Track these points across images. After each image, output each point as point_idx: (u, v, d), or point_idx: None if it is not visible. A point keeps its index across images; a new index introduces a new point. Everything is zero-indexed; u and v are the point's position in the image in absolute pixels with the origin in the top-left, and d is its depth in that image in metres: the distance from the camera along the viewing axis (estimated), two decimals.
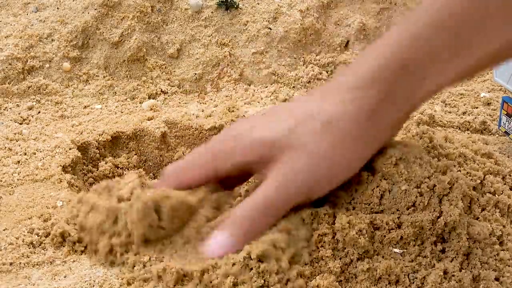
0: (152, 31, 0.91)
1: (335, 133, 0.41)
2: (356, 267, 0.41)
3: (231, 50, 0.91)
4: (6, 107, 0.79)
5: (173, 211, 0.43)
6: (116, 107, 0.82)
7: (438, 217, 0.42)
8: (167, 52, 0.91)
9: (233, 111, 0.77)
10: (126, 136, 0.71)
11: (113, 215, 0.44)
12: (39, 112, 0.79)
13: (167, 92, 0.87)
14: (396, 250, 0.42)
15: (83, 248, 0.47)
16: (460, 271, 0.41)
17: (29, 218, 0.51)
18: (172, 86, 0.88)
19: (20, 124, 0.76)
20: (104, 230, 0.44)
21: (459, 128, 0.76)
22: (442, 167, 0.44)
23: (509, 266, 0.43)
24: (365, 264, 0.41)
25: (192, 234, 0.43)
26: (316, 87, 0.45)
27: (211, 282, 0.39)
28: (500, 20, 0.40)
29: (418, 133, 0.48)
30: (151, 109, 0.81)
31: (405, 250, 0.42)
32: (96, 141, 0.69)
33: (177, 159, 0.73)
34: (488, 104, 0.82)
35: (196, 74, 0.89)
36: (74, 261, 0.46)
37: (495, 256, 0.43)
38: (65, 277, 0.44)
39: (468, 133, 0.76)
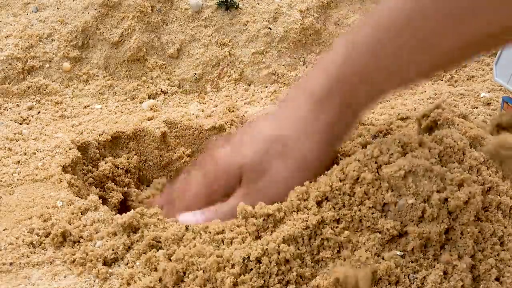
0: (152, 31, 0.91)
1: (294, 157, 0.48)
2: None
3: (231, 50, 0.91)
4: (6, 107, 0.79)
5: None
6: (116, 107, 0.82)
7: (447, 230, 0.42)
8: (167, 52, 0.91)
9: (233, 111, 0.77)
10: (126, 136, 0.71)
11: None
12: (39, 112, 0.79)
13: (167, 92, 0.87)
14: (398, 252, 0.42)
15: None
16: (461, 271, 0.41)
17: (29, 218, 0.51)
18: (172, 86, 0.88)
19: (20, 124, 0.76)
20: None
21: None
22: (457, 180, 0.43)
23: (509, 266, 0.43)
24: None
25: None
26: (282, 99, 0.50)
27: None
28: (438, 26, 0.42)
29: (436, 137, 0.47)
30: (151, 109, 0.81)
31: (406, 252, 0.42)
32: (96, 141, 0.69)
33: (176, 159, 0.73)
34: (488, 104, 0.82)
35: (196, 74, 0.89)
36: (73, 261, 0.46)
37: (495, 256, 0.43)
38: (65, 277, 0.44)
39: None
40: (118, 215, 0.51)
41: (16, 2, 0.91)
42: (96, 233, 0.49)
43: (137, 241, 0.48)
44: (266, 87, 0.88)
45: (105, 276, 0.44)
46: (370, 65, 0.46)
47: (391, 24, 0.43)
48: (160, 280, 0.43)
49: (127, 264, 0.46)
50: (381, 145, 0.45)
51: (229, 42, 0.92)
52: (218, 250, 0.43)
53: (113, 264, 0.46)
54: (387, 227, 0.42)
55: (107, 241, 0.48)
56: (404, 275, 0.41)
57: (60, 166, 0.62)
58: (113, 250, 0.47)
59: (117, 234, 0.48)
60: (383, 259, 0.42)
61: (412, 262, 0.42)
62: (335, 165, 0.47)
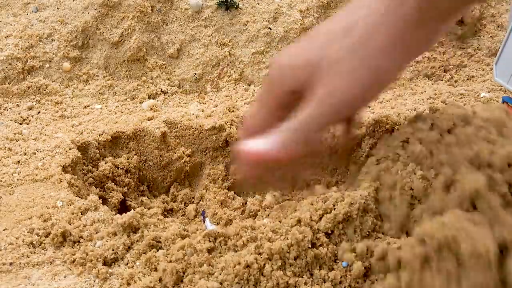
0: (152, 31, 0.91)
1: (369, 48, 0.40)
2: None
3: (231, 50, 0.91)
4: (6, 107, 0.79)
5: None
6: (116, 107, 0.82)
7: None
8: (167, 52, 0.91)
9: (233, 111, 0.77)
10: (126, 136, 0.71)
11: None
12: (39, 112, 0.79)
13: (167, 92, 0.87)
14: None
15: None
16: None
17: (29, 218, 0.51)
18: (172, 86, 0.88)
19: (20, 124, 0.76)
20: None
21: None
22: None
23: None
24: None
25: None
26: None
27: None
28: None
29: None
30: (151, 109, 0.81)
31: None
32: (96, 141, 0.69)
33: (176, 159, 0.73)
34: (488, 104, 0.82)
35: (196, 74, 0.89)
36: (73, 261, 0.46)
37: None
38: (65, 277, 0.44)
39: None
40: (118, 215, 0.51)
41: (16, 2, 0.91)
42: (96, 233, 0.49)
43: (137, 241, 0.48)
44: None
45: (105, 276, 0.44)
46: None
47: None
48: (160, 280, 0.43)
49: (127, 264, 0.46)
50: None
51: (229, 42, 0.92)
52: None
53: (113, 264, 0.46)
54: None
55: (107, 241, 0.48)
56: None
57: (60, 166, 0.62)
58: (113, 250, 0.47)
59: (117, 234, 0.48)
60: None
61: None
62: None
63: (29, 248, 0.47)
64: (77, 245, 0.48)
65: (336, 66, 0.40)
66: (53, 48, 0.86)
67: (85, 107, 0.82)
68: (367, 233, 0.43)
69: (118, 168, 0.69)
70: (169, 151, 0.73)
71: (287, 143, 0.42)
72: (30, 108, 0.80)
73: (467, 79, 0.94)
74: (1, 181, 0.60)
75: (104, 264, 0.46)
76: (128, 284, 0.43)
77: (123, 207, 0.67)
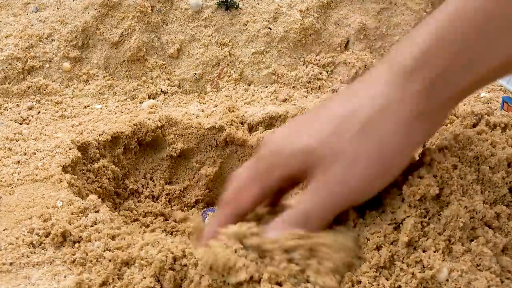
0: (152, 31, 0.91)
1: (374, 136, 0.39)
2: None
3: (231, 50, 0.91)
4: (6, 107, 0.79)
5: None
6: (116, 107, 0.82)
7: None
8: (167, 52, 0.91)
9: (233, 111, 0.77)
10: (126, 136, 0.71)
11: None
12: (39, 112, 0.79)
13: (167, 92, 0.87)
14: None
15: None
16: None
17: (29, 218, 0.51)
18: (172, 86, 0.88)
19: (20, 124, 0.76)
20: None
21: None
22: None
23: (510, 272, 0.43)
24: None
25: None
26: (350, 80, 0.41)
27: None
28: None
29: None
30: (151, 109, 0.81)
31: None
32: (96, 141, 0.69)
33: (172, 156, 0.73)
34: (488, 104, 0.82)
35: (196, 74, 0.89)
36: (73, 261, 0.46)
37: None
38: (65, 277, 0.44)
39: None
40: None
41: (16, 2, 0.91)
42: (96, 233, 0.49)
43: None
44: (266, 87, 0.88)
45: (105, 276, 0.44)
46: (471, 32, 0.37)
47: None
48: (160, 280, 0.43)
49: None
50: None
51: (229, 42, 0.92)
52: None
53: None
54: None
55: (107, 241, 0.48)
56: None
57: (60, 166, 0.62)
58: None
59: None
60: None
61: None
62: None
63: (29, 248, 0.47)
64: (77, 245, 0.48)
65: (342, 156, 0.39)
66: (53, 48, 0.86)
67: (85, 107, 0.82)
68: None
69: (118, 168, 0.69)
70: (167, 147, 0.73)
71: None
72: (30, 108, 0.80)
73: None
74: (1, 181, 0.60)
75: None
76: (129, 284, 0.43)
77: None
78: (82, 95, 0.84)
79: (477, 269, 0.41)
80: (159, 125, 0.72)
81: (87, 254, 0.46)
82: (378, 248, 0.42)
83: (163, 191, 0.72)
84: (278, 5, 0.95)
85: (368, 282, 0.41)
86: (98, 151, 0.68)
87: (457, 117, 0.59)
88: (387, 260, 0.41)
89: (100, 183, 0.66)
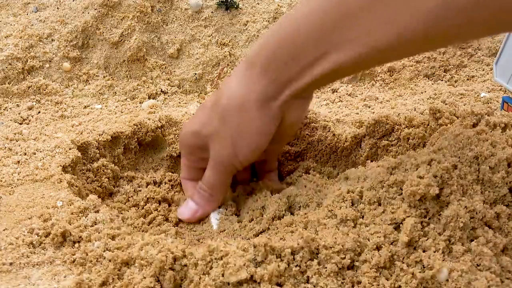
0: (152, 31, 0.91)
1: (233, 119, 0.52)
2: None
3: (231, 50, 0.91)
4: (6, 107, 0.79)
5: None
6: (116, 107, 0.82)
7: None
8: (167, 52, 0.91)
9: None
10: (126, 136, 0.71)
11: None
12: (39, 112, 0.79)
13: (167, 92, 0.87)
14: None
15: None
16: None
17: (29, 218, 0.51)
18: (172, 86, 0.88)
19: (20, 124, 0.76)
20: None
21: None
22: None
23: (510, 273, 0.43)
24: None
25: None
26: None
27: None
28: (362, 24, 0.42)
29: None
30: (151, 109, 0.81)
31: None
32: (96, 141, 0.69)
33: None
34: (488, 104, 0.82)
35: (196, 74, 0.89)
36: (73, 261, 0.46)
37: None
38: (65, 277, 0.44)
39: None
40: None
41: (16, 2, 0.91)
42: (96, 233, 0.49)
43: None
44: None
45: (105, 276, 0.44)
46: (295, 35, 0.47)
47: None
48: (160, 280, 0.43)
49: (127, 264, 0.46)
50: None
51: (229, 42, 0.92)
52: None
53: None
54: None
55: (107, 241, 0.48)
56: None
57: (60, 166, 0.62)
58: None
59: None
60: None
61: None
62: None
63: (29, 248, 0.47)
64: (77, 245, 0.48)
65: (216, 136, 0.54)
66: (53, 48, 0.86)
67: (85, 107, 0.82)
68: None
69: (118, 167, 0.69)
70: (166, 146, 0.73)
71: (200, 204, 0.58)
72: (30, 108, 0.80)
73: (467, 79, 0.94)
74: (1, 181, 0.60)
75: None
76: (129, 284, 0.43)
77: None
78: (82, 95, 0.84)
79: (477, 269, 0.41)
80: (159, 125, 0.72)
81: (87, 254, 0.46)
82: (378, 248, 0.42)
83: (165, 177, 0.71)
84: (278, 5, 0.95)
85: (368, 282, 0.41)
86: (98, 151, 0.68)
87: (457, 117, 0.59)
88: (387, 260, 0.41)
89: (100, 182, 0.66)
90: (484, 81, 0.91)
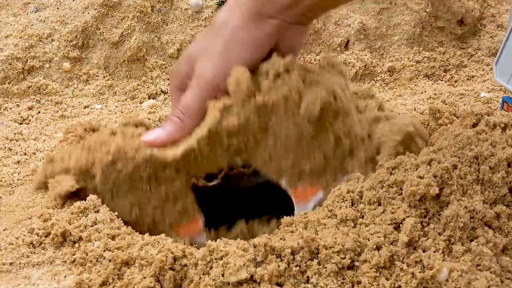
0: (152, 31, 0.91)
1: (225, 35, 0.50)
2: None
3: None
4: (6, 107, 0.79)
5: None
6: (116, 107, 0.82)
7: None
8: (167, 52, 0.91)
9: None
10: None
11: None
12: (39, 112, 0.79)
13: (167, 92, 0.87)
14: None
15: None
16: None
17: (29, 218, 0.51)
18: None
19: (20, 124, 0.76)
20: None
21: None
22: None
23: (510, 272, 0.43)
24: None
25: None
26: None
27: None
28: None
29: None
30: (151, 109, 0.81)
31: None
32: None
33: None
34: (488, 104, 0.82)
35: None
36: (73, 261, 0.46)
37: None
38: (65, 277, 0.44)
39: None
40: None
41: (16, 2, 0.91)
42: (96, 233, 0.49)
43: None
44: None
45: (105, 276, 0.44)
46: None
47: None
48: (160, 280, 0.43)
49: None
50: None
51: None
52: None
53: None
54: None
55: (107, 241, 0.48)
56: None
57: None
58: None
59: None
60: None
61: None
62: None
63: (29, 248, 0.47)
64: (77, 245, 0.48)
65: (204, 53, 0.51)
66: (53, 48, 0.86)
67: (85, 107, 0.82)
68: None
69: None
70: None
71: (167, 130, 0.51)
72: (30, 108, 0.80)
73: (467, 79, 0.94)
74: (1, 181, 0.60)
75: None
76: (128, 284, 0.43)
77: None
78: (82, 95, 0.84)
79: (477, 269, 0.41)
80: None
81: (87, 254, 0.46)
82: (378, 248, 0.42)
83: None
84: None
85: (368, 282, 0.41)
86: None
87: (457, 117, 0.59)
88: (387, 260, 0.41)
89: None
90: (484, 81, 0.91)
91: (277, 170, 0.50)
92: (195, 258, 0.43)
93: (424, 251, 0.42)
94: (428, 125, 0.64)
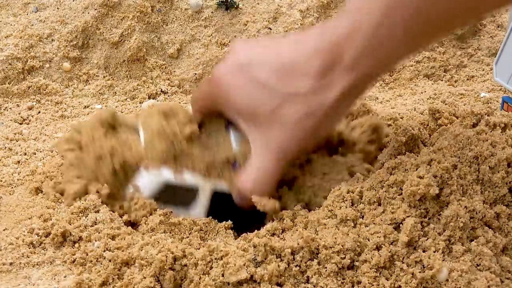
0: (152, 31, 0.91)
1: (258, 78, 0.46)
2: None
3: None
4: (6, 107, 0.79)
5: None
6: (116, 107, 0.82)
7: None
8: (167, 52, 0.91)
9: None
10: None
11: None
12: (39, 112, 0.79)
13: (167, 92, 0.87)
14: None
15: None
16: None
17: (29, 218, 0.51)
18: (172, 86, 0.88)
19: (20, 124, 0.76)
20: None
21: None
22: None
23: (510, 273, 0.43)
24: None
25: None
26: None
27: None
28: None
29: None
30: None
31: None
32: None
33: None
34: (488, 104, 0.82)
35: (196, 74, 0.89)
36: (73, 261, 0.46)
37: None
38: (65, 277, 0.44)
39: None
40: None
41: (16, 2, 0.91)
42: (96, 233, 0.49)
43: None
44: None
45: (105, 276, 0.44)
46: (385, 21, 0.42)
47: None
48: (160, 280, 0.43)
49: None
50: None
51: (229, 42, 0.92)
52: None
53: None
54: None
55: (107, 241, 0.48)
56: None
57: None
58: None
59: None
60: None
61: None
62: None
63: (29, 248, 0.47)
64: (77, 245, 0.48)
65: (283, 124, 0.46)
66: (53, 48, 0.86)
67: (85, 107, 0.82)
68: None
69: None
70: None
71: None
72: (30, 108, 0.80)
73: (467, 79, 0.94)
74: (1, 181, 0.60)
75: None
76: (128, 284, 0.43)
77: None
78: (82, 95, 0.85)
79: (477, 269, 0.41)
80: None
81: (87, 254, 0.46)
82: (378, 248, 0.42)
83: None
84: (278, 5, 0.95)
85: (368, 282, 0.41)
86: None
87: (457, 117, 0.59)
88: (387, 260, 0.41)
89: None
90: (484, 81, 0.91)
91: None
92: (195, 258, 0.43)
93: (424, 251, 0.42)
94: (427, 125, 0.64)
